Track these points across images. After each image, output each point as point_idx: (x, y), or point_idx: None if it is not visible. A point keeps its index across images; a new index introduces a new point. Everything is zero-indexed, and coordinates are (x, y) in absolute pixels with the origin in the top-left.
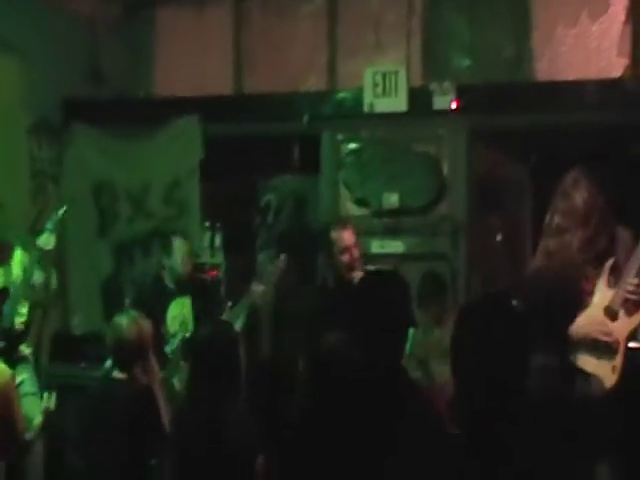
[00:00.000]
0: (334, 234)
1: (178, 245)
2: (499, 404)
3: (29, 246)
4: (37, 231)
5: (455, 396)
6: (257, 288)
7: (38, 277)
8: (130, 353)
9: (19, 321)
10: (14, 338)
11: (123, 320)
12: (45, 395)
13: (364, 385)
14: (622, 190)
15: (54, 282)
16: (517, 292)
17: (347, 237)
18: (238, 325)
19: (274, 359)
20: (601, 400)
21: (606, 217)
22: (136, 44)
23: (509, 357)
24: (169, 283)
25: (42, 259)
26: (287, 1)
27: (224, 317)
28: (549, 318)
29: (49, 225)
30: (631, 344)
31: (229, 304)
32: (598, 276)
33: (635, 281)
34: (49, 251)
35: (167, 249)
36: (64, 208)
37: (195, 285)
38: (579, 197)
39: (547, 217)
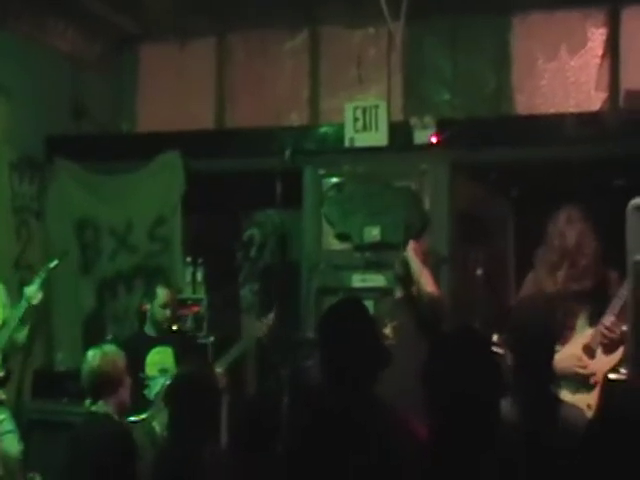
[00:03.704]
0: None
1: (160, 293)
2: (472, 436)
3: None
4: (23, 271)
5: (431, 427)
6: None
7: (21, 334)
8: (100, 385)
9: None
10: None
11: (95, 353)
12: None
13: (336, 413)
14: (607, 225)
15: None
16: (502, 323)
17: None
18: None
19: (259, 398)
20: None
21: (597, 255)
22: (119, 80)
23: (480, 390)
24: (149, 330)
25: (27, 313)
26: (269, 37)
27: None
28: (532, 349)
29: (38, 279)
30: (611, 375)
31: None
32: (582, 312)
33: (613, 320)
34: (34, 306)
35: (150, 295)
36: (55, 262)
37: (175, 336)
38: (573, 236)
39: (540, 252)
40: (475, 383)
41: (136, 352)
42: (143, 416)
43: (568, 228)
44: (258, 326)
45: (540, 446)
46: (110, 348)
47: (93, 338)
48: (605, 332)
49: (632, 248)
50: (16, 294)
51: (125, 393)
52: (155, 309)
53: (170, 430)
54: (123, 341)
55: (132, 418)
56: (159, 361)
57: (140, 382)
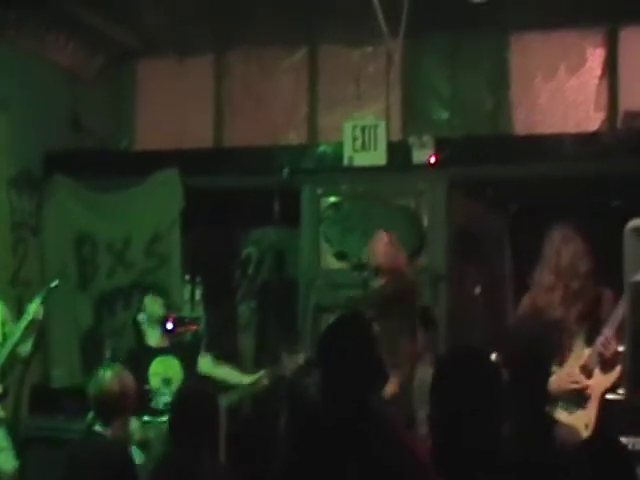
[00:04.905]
0: None
1: (149, 302)
2: (475, 455)
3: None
4: (20, 287)
5: (433, 444)
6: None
7: (25, 348)
8: (111, 407)
9: None
10: None
11: (107, 373)
12: None
13: (334, 426)
14: (602, 244)
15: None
16: (499, 343)
17: None
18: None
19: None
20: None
21: (592, 274)
22: (117, 96)
23: (484, 412)
24: (150, 341)
25: (30, 327)
26: (268, 54)
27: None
28: (528, 369)
29: (38, 298)
30: (609, 396)
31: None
32: (579, 333)
33: (609, 335)
34: (37, 320)
35: (140, 306)
36: (56, 282)
37: (177, 345)
38: (569, 255)
39: (537, 272)
40: (479, 402)
41: (139, 364)
42: (160, 419)
43: (564, 247)
44: (286, 363)
45: (533, 465)
46: (123, 370)
47: (90, 355)
48: (601, 348)
49: (629, 269)
50: (13, 310)
51: (130, 416)
52: (149, 320)
53: (169, 444)
54: (125, 354)
55: (147, 418)
56: (162, 371)
57: (144, 395)
